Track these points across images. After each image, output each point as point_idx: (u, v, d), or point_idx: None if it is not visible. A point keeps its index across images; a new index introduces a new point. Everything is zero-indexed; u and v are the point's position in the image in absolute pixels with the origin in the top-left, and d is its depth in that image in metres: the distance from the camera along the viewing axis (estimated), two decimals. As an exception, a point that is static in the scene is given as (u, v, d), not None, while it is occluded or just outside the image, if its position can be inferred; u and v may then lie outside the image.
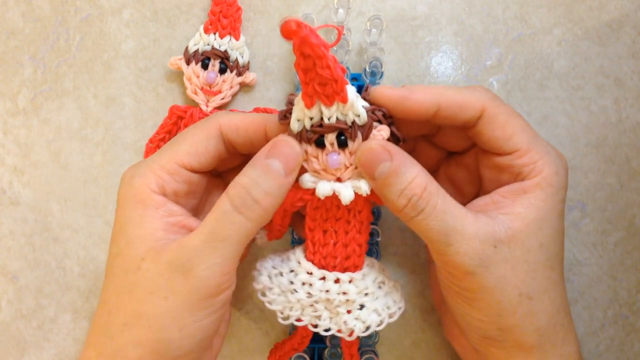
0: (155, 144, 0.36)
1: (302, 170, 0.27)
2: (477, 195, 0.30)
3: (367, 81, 0.35)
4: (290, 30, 0.22)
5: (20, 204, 0.37)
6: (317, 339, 0.34)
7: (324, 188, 0.27)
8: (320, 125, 0.26)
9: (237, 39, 0.36)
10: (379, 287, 0.29)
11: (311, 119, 0.26)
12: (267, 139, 0.28)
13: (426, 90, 0.27)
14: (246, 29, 0.37)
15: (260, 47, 0.37)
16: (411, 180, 0.25)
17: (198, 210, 0.30)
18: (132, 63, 0.37)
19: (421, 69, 0.37)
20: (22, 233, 0.37)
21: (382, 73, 0.35)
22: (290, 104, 0.27)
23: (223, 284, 0.26)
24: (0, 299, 0.36)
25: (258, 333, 0.36)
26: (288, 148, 0.26)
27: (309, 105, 0.25)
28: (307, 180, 0.27)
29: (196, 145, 0.27)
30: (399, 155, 0.26)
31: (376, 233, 0.34)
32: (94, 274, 0.37)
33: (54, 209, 0.37)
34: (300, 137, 0.26)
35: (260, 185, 0.25)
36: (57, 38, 0.38)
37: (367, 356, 0.34)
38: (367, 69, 0.35)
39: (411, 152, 0.31)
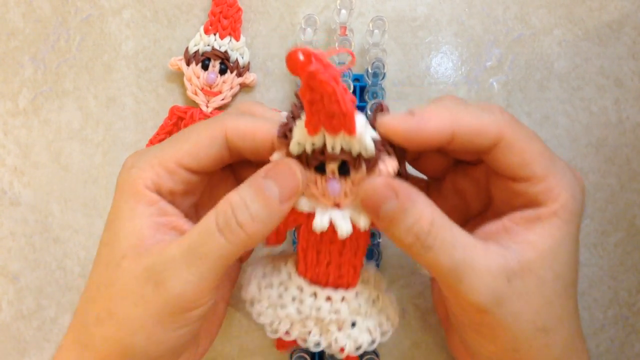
0: (156, 144, 0.36)
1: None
2: (483, 209, 0.29)
3: (370, 82, 0.35)
4: (297, 64, 0.19)
5: (20, 204, 0.37)
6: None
7: (321, 222, 0.24)
8: (322, 153, 0.23)
9: (237, 39, 0.36)
10: (373, 303, 0.28)
11: (313, 144, 0.23)
12: (274, 150, 0.26)
13: (439, 117, 0.24)
14: (246, 29, 0.37)
15: (260, 47, 0.37)
16: (418, 216, 0.23)
17: (199, 205, 0.29)
18: (133, 63, 0.37)
19: (421, 70, 0.37)
20: (23, 233, 0.37)
21: (384, 74, 0.35)
22: (293, 116, 0.24)
23: (197, 301, 0.24)
24: (0, 300, 0.36)
25: (258, 334, 0.36)
26: (290, 173, 0.24)
27: (312, 133, 0.23)
28: (304, 204, 0.25)
29: (198, 148, 0.26)
30: (404, 190, 0.23)
31: (377, 233, 0.34)
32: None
33: (55, 209, 0.37)
34: (300, 160, 0.24)
35: (248, 208, 0.23)
36: (57, 38, 0.38)
37: (367, 357, 0.34)
38: (370, 70, 0.35)
39: (416, 159, 0.29)
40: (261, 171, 0.24)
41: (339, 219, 0.24)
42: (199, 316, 0.25)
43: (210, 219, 0.24)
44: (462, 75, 0.37)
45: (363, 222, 0.24)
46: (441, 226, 0.24)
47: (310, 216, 0.25)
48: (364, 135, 0.23)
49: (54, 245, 0.37)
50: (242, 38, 0.36)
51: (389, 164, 0.24)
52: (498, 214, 0.26)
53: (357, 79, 0.36)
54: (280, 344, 0.32)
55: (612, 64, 0.37)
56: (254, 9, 0.37)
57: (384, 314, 0.28)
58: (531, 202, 0.25)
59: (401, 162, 0.25)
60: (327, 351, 0.28)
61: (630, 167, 0.36)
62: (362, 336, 0.27)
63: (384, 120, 0.24)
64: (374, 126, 0.24)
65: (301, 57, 0.19)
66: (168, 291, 0.23)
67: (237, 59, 0.36)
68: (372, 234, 0.34)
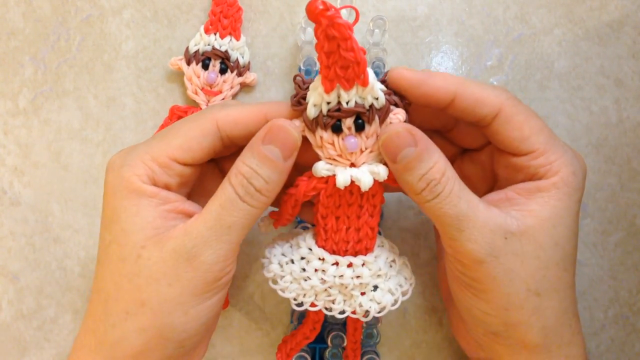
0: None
1: (315, 158, 0.27)
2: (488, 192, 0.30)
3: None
4: (317, 11, 0.21)
5: (20, 204, 0.37)
6: (318, 339, 0.34)
7: (344, 178, 0.26)
8: (338, 110, 0.25)
9: (237, 39, 0.36)
10: (391, 267, 0.29)
11: (328, 104, 0.25)
12: None
13: (445, 77, 0.26)
14: (247, 29, 0.37)
15: (260, 47, 0.37)
16: (432, 165, 0.25)
17: (191, 196, 0.30)
18: (133, 63, 0.37)
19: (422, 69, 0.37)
20: (23, 233, 0.37)
21: (385, 73, 0.35)
22: (300, 88, 0.26)
23: (226, 268, 0.26)
24: (0, 299, 0.36)
25: (258, 334, 0.36)
26: (284, 133, 0.26)
27: (328, 90, 0.25)
28: (322, 168, 0.27)
29: (190, 141, 0.27)
30: (423, 140, 0.25)
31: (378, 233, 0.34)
32: (94, 274, 0.36)
33: (55, 209, 0.37)
34: (317, 123, 0.26)
35: (260, 174, 0.25)
36: (57, 38, 0.38)
37: (368, 356, 0.34)
38: (370, 70, 0.35)
39: None
40: (257, 139, 0.26)
41: (360, 173, 0.26)
42: (225, 284, 0.27)
43: (228, 191, 0.26)
44: (463, 74, 0.37)
45: (382, 172, 0.26)
46: (451, 178, 0.25)
47: (330, 181, 0.27)
48: (375, 84, 0.25)
49: (54, 245, 0.37)
50: (243, 38, 0.36)
51: (398, 114, 0.26)
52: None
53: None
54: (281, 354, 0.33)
55: (612, 64, 0.37)
56: (254, 9, 0.37)
57: (401, 275, 0.30)
58: (532, 176, 0.27)
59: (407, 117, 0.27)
60: (352, 317, 0.29)
61: (630, 167, 0.36)
62: (385, 297, 0.28)
63: (394, 68, 0.26)
64: (384, 82, 0.27)
65: (320, 5, 0.21)
66: (202, 263, 0.25)
67: (237, 59, 0.36)
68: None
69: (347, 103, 0.25)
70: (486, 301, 0.27)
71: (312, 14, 0.22)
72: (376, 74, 0.35)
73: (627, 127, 0.36)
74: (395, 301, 0.29)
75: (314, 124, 0.26)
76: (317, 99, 0.25)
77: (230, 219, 0.25)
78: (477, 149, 0.31)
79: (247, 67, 0.36)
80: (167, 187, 0.27)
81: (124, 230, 0.26)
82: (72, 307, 0.36)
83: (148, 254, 0.25)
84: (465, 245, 0.25)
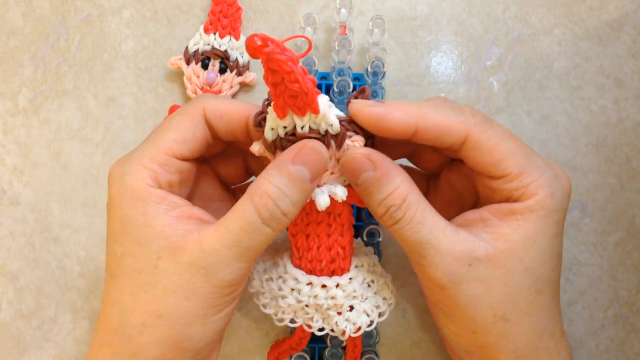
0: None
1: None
2: (476, 204, 0.30)
3: (369, 81, 0.35)
4: (255, 47, 0.21)
5: (20, 204, 0.37)
6: (317, 338, 0.34)
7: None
8: (294, 134, 0.25)
9: (237, 38, 0.36)
10: (368, 286, 0.30)
11: (285, 127, 0.25)
12: (248, 131, 0.27)
13: (405, 110, 0.25)
14: (246, 28, 0.37)
15: (260, 47, 0.37)
16: (392, 191, 0.25)
17: (189, 199, 0.30)
18: (132, 63, 0.37)
19: (421, 69, 0.37)
20: (22, 233, 0.37)
21: (384, 73, 0.35)
22: (264, 109, 0.26)
23: (243, 280, 0.26)
24: (0, 299, 0.36)
25: (258, 333, 0.36)
26: (316, 155, 0.25)
27: (281, 116, 0.25)
28: None
29: (184, 133, 0.27)
30: (383, 164, 0.25)
31: (377, 233, 0.34)
32: (94, 274, 0.36)
33: (54, 209, 0.37)
34: (275, 145, 0.26)
35: (287, 196, 0.25)
36: (57, 38, 0.38)
37: (367, 356, 0.34)
38: (369, 69, 0.35)
39: (412, 155, 0.31)
40: (286, 158, 0.25)
41: (318, 194, 0.26)
42: (240, 291, 0.27)
43: (249, 213, 0.25)
44: (462, 74, 0.37)
45: (340, 193, 0.26)
46: (414, 203, 0.25)
47: None
48: (328, 113, 0.25)
49: (54, 244, 0.37)
50: (242, 37, 0.36)
51: (356, 141, 0.26)
52: (482, 206, 0.28)
53: (357, 78, 0.36)
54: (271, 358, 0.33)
55: (612, 63, 0.37)
56: (253, 8, 0.37)
57: (380, 295, 0.30)
58: (508, 198, 0.26)
59: (372, 144, 0.27)
60: (331, 334, 0.30)
61: (630, 167, 0.36)
62: (360, 318, 0.29)
63: (353, 103, 0.26)
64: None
65: (258, 41, 0.21)
66: (220, 280, 0.25)
67: (236, 58, 0.36)
68: (372, 233, 0.34)
69: (302, 128, 0.25)
70: (455, 323, 0.27)
71: (251, 49, 0.21)
72: (375, 74, 0.35)
73: (627, 126, 0.36)
74: (371, 322, 0.29)
75: (272, 147, 0.26)
76: (273, 123, 0.25)
77: (250, 242, 0.25)
78: (438, 172, 0.31)
79: (246, 67, 0.36)
80: (170, 186, 0.27)
81: (136, 241, 0.25)
82: (71, 307, 0.36)
83: (164, 265, 0.25)
84: (427, 270, 0.25)
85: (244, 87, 0.37)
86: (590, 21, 0.37)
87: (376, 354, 0.34)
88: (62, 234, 0.37)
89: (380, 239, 0.35)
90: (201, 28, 0.36)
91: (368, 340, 0.34)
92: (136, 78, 0.37)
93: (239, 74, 0.36)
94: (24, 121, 0.37)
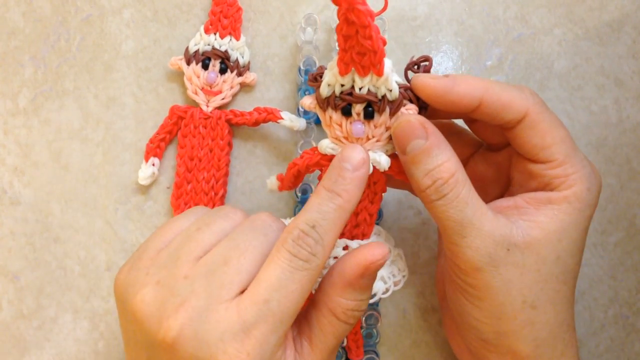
0: (156, 144, 0.36)
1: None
2: (500, 197, 0.30)
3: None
4: None
5: (20, 204, 0.37)
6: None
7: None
8: (350, 94, 0.25)
9: (237, 39, 0.36)
10: None
11: (342, 85, 0.25)
12: None
13: (471, 83, 0.25)
14: (246, 29, 0.37)
15: (260, 47, 0.37)
16: (441, 163, 0.25)
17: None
18: (133, 63, 0.37)
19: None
20: (23, 233, 0.37)
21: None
22: (322, 69, 0.26)
23: None
24: (0, 299, 0.37)
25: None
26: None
27: (342, 73, 0.25)
28: (327, 146, 0.27)
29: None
30: (435, 135, 0.25)
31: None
32: (94, 274, 0.37)
33: (55, 209, 0.37)
34: (328, 102, 0.26)
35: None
36: (57, 38, 0.38)
37: (367, 356, 0.34)
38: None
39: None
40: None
41: (377, 156, 0.26)
42: None
43: (339, 330, 0.26)
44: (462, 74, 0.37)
45: (383, 162, 0.26)
46: (460, 181, 0.25)
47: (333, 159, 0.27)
48: (391, 76, 0.25)
49: (54, 244, 0.37)
50: (242, 37, 0.36)
51: (410, 110, 0.26)
52: (513, 195, 0.28)
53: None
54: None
55: (612, 64, 0.37)
56: (254, 9, 0.37)
57: (395, 265, 0.30)
58: (546, 185, 0.26)
59: (424, 115, 0.26)
60: None
61: (630, 167, 0.36)
62: (377, 284, 0.28)
63: (419, 76, 0.26)
64: (407, 76, 0.27)
65: None
66: None
67: (237, 59, 0.36)
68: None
69: (360, 89, 0.25)
70: (479, 308, 0.26)
71: None
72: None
73: (627, 127, 0.36)
74: (387, 289, 0.29)
75: (325, 103, 0.26)
76: (332, 79, 0.26)
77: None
78: (496, 149, 0.30)
79: (247, 67, 0.36)
80: None
81: None
82: (72, 307, 0.36)
83: None
84: (465, 252, 0.25)
85: (245, 87, 0.37)
86: (591, 21, 0.37)
87: (376, 354, 0.34)
88: (63, 234, 0.37)
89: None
90: (201, 28, 0.36)
91: (368, 340, 0.34)
92: (136, 78, 0.37)
93: (240, 74, 0.36)
94: (25, 121, 0.37)
